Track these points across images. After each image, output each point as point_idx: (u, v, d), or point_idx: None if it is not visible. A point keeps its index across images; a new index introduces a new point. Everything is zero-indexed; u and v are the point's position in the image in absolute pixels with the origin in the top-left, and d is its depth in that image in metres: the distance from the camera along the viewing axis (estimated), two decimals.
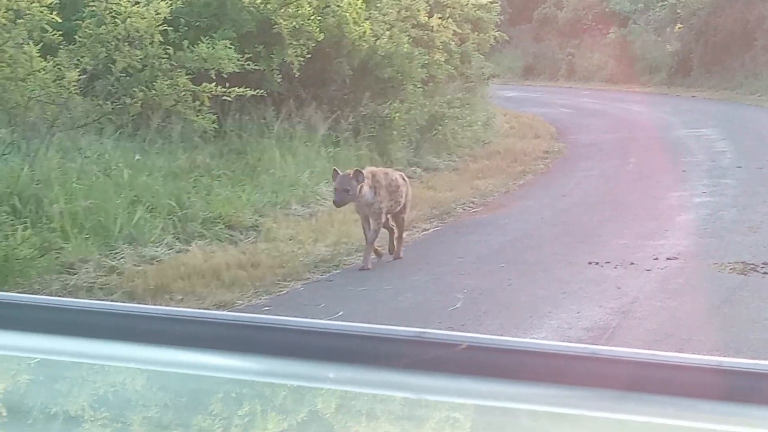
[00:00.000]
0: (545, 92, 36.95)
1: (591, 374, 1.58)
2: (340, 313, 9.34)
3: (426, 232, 13.32)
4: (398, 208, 11.49)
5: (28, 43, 11.35)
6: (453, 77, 22.03)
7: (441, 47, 20.91)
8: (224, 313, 1.91)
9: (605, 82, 37.94)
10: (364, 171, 11.17)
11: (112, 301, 9.61)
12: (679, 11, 38.05)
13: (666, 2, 39.28)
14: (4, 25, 11.38)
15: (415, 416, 1.83)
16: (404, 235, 11.81)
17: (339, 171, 11.07)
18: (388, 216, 11.43)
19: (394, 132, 17.64)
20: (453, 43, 21.98)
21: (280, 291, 10.28)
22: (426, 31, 20.33)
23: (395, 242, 11.69)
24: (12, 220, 10.43)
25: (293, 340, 1.73)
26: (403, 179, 11.78)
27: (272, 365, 1.76)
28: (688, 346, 8.24)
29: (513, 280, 10.66)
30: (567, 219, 14.10)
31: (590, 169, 18.95)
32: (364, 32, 17.38)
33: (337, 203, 11.14)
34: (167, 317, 1.85)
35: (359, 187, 10.87)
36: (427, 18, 20.49)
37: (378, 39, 17.72)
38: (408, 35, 18.73)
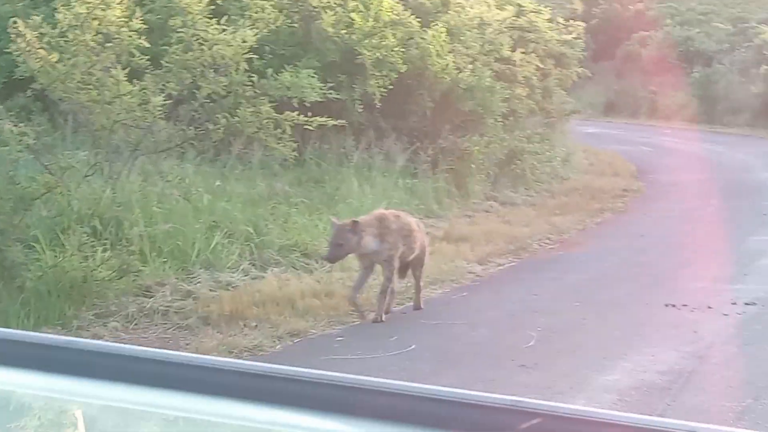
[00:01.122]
0: (626, 129, 36.68)
1: None
2: (412, 347, 9.33)
3: (501, 267, 13.28)
4: (411, 256, 10.51)
5: (116, 67, 11.51)
6: (534, 112, 21.95)
7: (523, 82, 20.85)
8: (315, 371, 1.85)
9: (687, 121, 37.48)
10: (368, 217, 10.38)
11: (186, 326, 9.71)
12: (765, 52, 37.64)
13: (752, 43, 38.85)
14: (93, 48, 11.56)
15: None
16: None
17: (336, 221, 10.25)
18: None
19: (473, 165, 17.65)
20: (535, 77, 21.91)
21: (353, 321, 10.28)
22: (508, 66, 20.29)
23: (415, 292, 10.84)
24: (92, 241, 10.55)
25: (386, 403, 1.71)
26: (418, 226, 10.76)
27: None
28: (766, 394, 8.12)
29: (587, 319, 10.58)
30: (644, 260, 13.96)
31: (669, 210, 18.77)
32: (447, 65, 17.39)
33: (329, 259, 10.45)
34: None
35: (355, 239, 9.94)
36: (510, 52, 20.46)
37: (460, 72, 17.70)
38: (490, 69, 18.70)
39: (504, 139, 19.00)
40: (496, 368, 8.82)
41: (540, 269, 13.27)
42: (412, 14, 17.09)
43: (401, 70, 16.36)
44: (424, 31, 17.21)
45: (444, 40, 17.54)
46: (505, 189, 18.74)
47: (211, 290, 10.77)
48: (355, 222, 9.99)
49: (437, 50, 17.31)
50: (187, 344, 9.25)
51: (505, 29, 20.63)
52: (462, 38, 18.76)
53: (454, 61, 17.69)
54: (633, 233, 16.26)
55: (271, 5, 13.54)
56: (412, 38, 16.98)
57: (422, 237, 10.73)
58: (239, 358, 8.98)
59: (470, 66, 18.10)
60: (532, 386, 8.26)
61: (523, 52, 21.08)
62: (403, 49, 16.63)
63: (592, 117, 38.40)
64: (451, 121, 17.80)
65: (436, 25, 17.46)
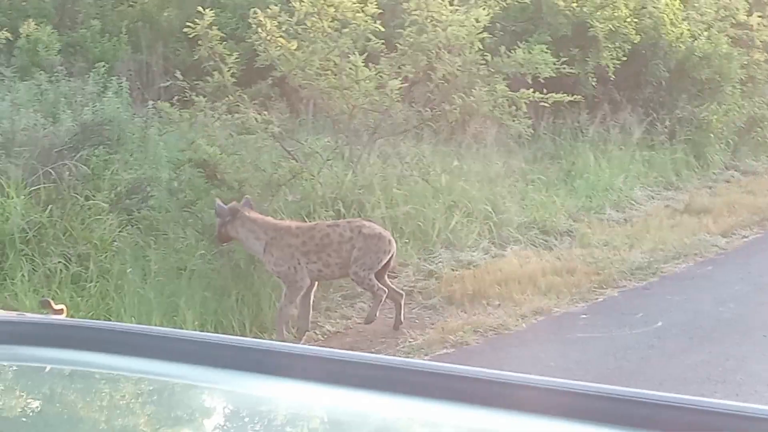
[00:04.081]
0: None
1: None
2: (659, 324, 9.22)
3: (746, 239, 12.93)
4: (342, 273, 9.21)
5: (354, 53, 11.69)
6: None
7: (761, 47, 20.19)
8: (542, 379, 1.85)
9: None
10: (267, 219, 9.18)
11: (431, 305, 9.84)
12: None
13: None
14: (330, 34, 11.77)
15: None
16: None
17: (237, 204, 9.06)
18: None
19: (711, 135, 17.24)
20: None
21: (596, 299, 10.23)
22: (745, 30, 19.66)
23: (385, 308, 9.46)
24: None
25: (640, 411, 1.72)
26: (358, 232, 9.07)
27: None
28: None
29: None
30: None
31: None
32: (681, 33, 17.05)
33: (216, 237, 9.34)
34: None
35: (220, 222, 8.97)
36: (746, 17, 19.82)
37: (695, 40, 17.32)
38: (726, 35, 18.20)
39: (743, 107, 18.47)
40: (747, 344, 8.62)
41: None
42: None
43: (634, 41, 16.16)
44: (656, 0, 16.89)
45: (678, 8, 17.22)
46: (746, 158, 18.19)
47: (452, 269, 10.89)
48: (221, 207, 8.98)
49: (671, 18, 16.98)
50: (432, 324, 9.39)
51: None
52: (696, 5, 18.32)
53: (688, 29, 17.33)
54: None
55: None
56: (645, 7, 16.74)
57: (362, 246, 9.05)
58: (484, 337, 9.07)
59: (705, 33, 17.68)
60: None
61: (759, 16, 20.38)
62: (635, 19, 16.41)
63: None
64: (687, 91, 17.44)
65: None
